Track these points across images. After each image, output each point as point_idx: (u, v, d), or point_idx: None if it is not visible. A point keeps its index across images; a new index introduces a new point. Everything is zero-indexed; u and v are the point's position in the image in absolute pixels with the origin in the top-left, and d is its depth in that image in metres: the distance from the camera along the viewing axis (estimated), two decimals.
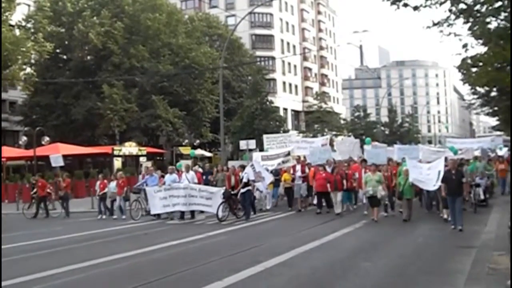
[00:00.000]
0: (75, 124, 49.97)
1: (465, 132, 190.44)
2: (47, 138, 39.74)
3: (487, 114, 65.42)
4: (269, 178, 22.93)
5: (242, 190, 21.06)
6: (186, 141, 55.79)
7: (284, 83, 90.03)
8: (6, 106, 55.34)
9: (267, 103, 59.87)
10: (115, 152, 43.73)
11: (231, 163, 30.84)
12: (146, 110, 50.01)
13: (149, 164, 34.92)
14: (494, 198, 24.19)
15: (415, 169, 18.56)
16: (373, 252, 13.23)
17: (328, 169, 22.14)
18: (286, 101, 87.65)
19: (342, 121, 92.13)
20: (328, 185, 21.18)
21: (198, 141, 58.74)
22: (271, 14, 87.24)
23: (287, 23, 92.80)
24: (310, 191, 23.46)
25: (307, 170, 23.79)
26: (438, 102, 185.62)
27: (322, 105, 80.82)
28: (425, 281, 10.01)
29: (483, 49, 23.46)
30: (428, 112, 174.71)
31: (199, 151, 57.66)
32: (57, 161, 28.96)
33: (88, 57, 52.53)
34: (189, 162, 36.05)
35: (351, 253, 13.16)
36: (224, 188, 21.60)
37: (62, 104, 49.52)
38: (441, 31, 18.58)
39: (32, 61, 47.62)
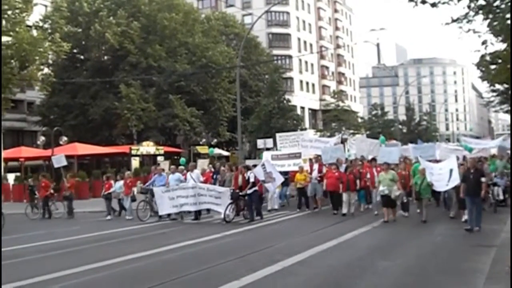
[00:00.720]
0: (93, 124, 50.18)
1: (484, 130, 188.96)
2: (65, 138, 39.93)
3: (506, 111, 64.77)
4: (280, 179, 22.39)
5: (249, 191, 20.60)
6: (204, 140, 55.85)
7: (301, 81, 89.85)
8: (24, 107, 55.74)
9: (284, 101, 59.70)
10: (133, 152, 43.84)
11: (248, 162, 30.47)
12: (164, 110, 50.08)
13: (167, 163, 34.80)
14: None
15: (428, 169, 18.20)
16: (390, 251, 13.14)
17: (341, 168, 21.89)
18: (303, 99, 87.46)
19: (359, 120, 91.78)
20: (341, 185, 20.82)
21: (215, 140, 58.73)
22: (287, 13, 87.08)
23: (303, 21, 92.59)
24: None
25: (324, 170, 23.11)
26: (456, 100, 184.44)
27: (339, 104, 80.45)
28: (443, 281, 9.88)
29: (502, 46, 23.20)
30: (446, 110, 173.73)
31: (217, 150, 57.73)
32: (59, 161, 28.57)
33: (105, 57, 52.73)
34: (206, 161, 36.12)
35: (368, 252, 13.05)
36: (231, 188, 21.16)
37: (80, 104, 49.75)
38: (460, 28, 18.37)
39: (50, 61, 47.84)
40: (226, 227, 18.69)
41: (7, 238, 17.28)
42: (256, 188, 20.79)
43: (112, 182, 24.96)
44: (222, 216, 20.09)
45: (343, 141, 31.66)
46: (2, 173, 38.76)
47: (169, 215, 21.87)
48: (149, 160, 46.67)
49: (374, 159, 21.78)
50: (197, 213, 21.70)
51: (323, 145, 27.48)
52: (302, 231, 17.32)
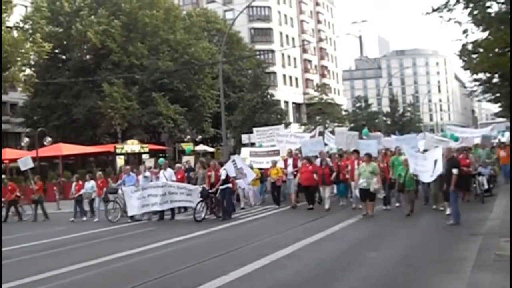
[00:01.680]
0: (77, 123, 49.94)
1: (467, 119, 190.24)
2: (49, 139, 39.81)
3: (489, 100, 65.01)
4: (251, 174, 22.02)
5: (221, 187, 19.77)
6: (188, 137, 55.74)
7: (284, 76, 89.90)
8: (7, 108, 55.33)
9: (268, 96, 59.78)
10: (118, 151, 43.69)
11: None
12: (147, 108, 49.94)
13: (152, 161, 34.63)
14: (498, 187, 23.38)
15: (412, 159, 17.49)
16: (378, 242, 13.18)
17: (316, 162, 21.26)
18: (286, 94, 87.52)
19: (343, 112, 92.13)
20: (315, 176, 20.29)
21: (200, 136, 58.69)
22: (269, 7, 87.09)
23: (285, 15, 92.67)
24: (300, 186, 21.92)
25: (299, 165, 22.30)
26: (439, 91, 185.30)
27: (323, 97, 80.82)
28: (431, 269, 9.94)
29: (483, 35, 23.32)
30: (430, 101, 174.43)
31: (202, 147, 57.62)
32: (26, 163, 28.10)
33: (87, 56, 52.41)
34: (191, 158, 35.97)
35: (356, 244, 13.10)
36: (201, 186, 20.55)
37: (63, 104, 49.47)
38: (441, 17, 18.49)
39: (31, 62, 47.54)
40: (210, 224, 18.42)
41: None
42: (229, 185, 20.16)
43: (81, 183, 24.31)
44: (193, 216, 19.62)
45: (321, 135, 31.20)
46: None
47: (131, 216, 21.08)
48: (134, 159, 46.52)
49: (356, 151, 20.76)
50: (163, 213, 21.13)
51: (298, 140, 27.03)
52: (278, 228, 16.53)
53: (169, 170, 22.35)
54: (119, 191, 21.94)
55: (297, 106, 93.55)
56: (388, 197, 19.17)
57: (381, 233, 14.73)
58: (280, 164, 23.47)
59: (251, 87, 59.41)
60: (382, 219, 17.40)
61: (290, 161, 23.14)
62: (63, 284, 10.59)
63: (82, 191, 23.76)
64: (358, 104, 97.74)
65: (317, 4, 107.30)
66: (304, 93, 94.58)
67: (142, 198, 20.57)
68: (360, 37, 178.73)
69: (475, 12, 18.57)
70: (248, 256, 11.92)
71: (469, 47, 26.46)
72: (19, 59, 37.90)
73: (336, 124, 76.60)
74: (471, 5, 18.20)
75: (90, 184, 23.49)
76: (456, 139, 26.15)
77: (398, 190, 18.26)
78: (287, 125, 63.56)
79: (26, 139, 44.32)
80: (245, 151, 27.01)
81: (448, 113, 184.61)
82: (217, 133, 57.76)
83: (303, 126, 73.05)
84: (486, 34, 22.58)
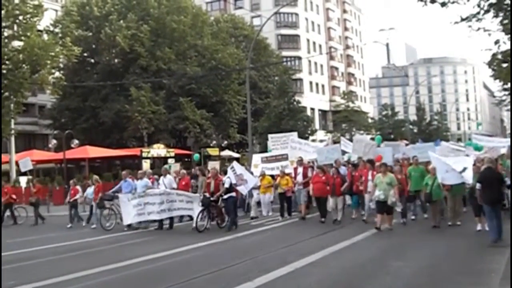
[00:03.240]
0: (104, 126, 50.43)
1: (496, 129, 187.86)
2: (76, 141, 40.22)
3: None
4: (253, 180, 20.89)
5: (225, 197, 18.56)
6: (214, 142, 55.90)
7: (310, 82, 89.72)
8: (36, 110, 56.10)
9: (294, 103, 59.69)
10: (144, 154, 43.99)
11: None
12: (174, 112, 50.26)
13: (178, 166, 34.61)
14: None
15: (440, 164, 16.50)
16: (404, 252, 13.06)
17: (340, 171, 20.07)
18: (313, 100, 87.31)
19: (370, 120, 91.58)
20: (328, 188, 18.88)
21: (225, 142, 58.80)
22: (296, 14, 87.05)
23: (312, 22, 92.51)
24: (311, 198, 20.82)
25: (309, 174, 21.07)
26: (467, 99, 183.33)
27: (350, 104, 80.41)
28: (458, 281, 9.80)
29: None
30: (457, 109, 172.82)
31: (227, 152, 57.69)
32: (25, 165, 27.99)
33: (116, 60, 52.96)
34: (217, 163, 35.87)
35: (381, 253, 13.00)
36: (202, 194, 19.22)
37: (91, 107, 50.01)
38: (470, 26, 18.33)
39: (61, 65, 48.06)
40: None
41: None
42: (233, 194, 18.93)
43: (78, 188, 23.30)
44: (194, 225, 18.43)
45: (335, 143, 30.29)
46: (14, 176, 38.98)
47: (129, 225, 19.92)
48: (159, 163, 46.75)
49: (370, 161, 19.62)
50: (161, 223, 19.84)
51: (312, 149, 26.08)
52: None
53: (168, 177, 21.30)
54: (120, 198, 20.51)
55: (323, 113, 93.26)
56: (405, 210, 18.02)
57: (407, 242, 14.56)
58: (289, 171, 22.29)
59: (278, 94, 59.40)
60: (401, 232, 16.58)
61: (300, 169, 21.67)
62: None
63: (77, 196, 22.86)
64: (384, 112, 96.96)
65: (344, 11, 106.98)
66: (331, 100, 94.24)
67: (138, 206, 19.48)
68: (387, 45, 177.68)
69: (506, 21, 18.37)
70: (272, 263, 11.87)
71: (499, 56, 26.17)
72: (48, 62, 38.23)
73: (362, 132, 76.19)
74: (501, 14, 18.01)
75: (91, 190, 22.33)
76: (479, 149, 24.99)
77: (425, 200, 17.49)
78: (313, 132, 63.49)
79: (54, 141, 44.81)
80: (256, 157, 25.83)
81: (476, 122, 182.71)
82: (242, 139, 57.81)
83: (329, 133, 72.73)
84: None
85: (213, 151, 52.87)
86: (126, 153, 45.63)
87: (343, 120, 79.77)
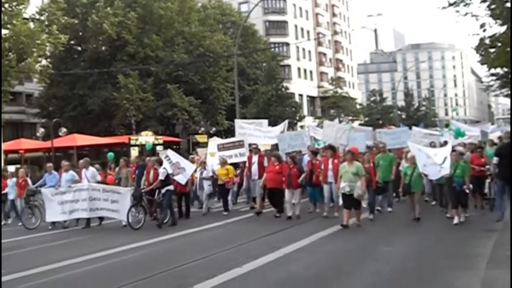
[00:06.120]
0: (92, 114, 50.21)
1: (483, 114, 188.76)
2: (64, 130, 40.07)
3: (506, 95, 64.56)
4: (191, 168, 18.78)
5: (162, 191, 16.68)
6: (202, 129, 55.81)
7: (299, 69, 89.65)
8: (23, 99, 55.66)
9: (282, 89, 59.76)
10: (132, 142, 43.83)
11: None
12: (162, 99, 50.12)
13: (165, 152, 34.13)
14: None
15: (420, 154, 15.13)
16: (392, 237, 13.12)
17: (289, 160, 17.36)
18: (301, 87, 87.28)
19: (358, 106, 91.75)
20: (284, 178, 16.84)
21: (214, 129, 58.72)
22: (284, 0, 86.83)
23: (300, 8, 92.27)
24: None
25: (266, 163, 18.68)
26: (455, 85, 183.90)
27: (338, 90, 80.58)
28: (445, 265, 9.89)
29: (501, 29, 23.09)
30: (445, 95, 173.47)
31: (216, 139, 57.53)
32: None
33: (103, 48, 52.58)
34: (205, 150, 35.41)
35: (371, 239, 13.06)
36: (132, 187, 17.36)
37: (78, 95, 49.74)
38: (457, 11, 18.37)
39: (47, 53, 47.68)
40: (216, 218, 16.98)
41: None
42: (170, 187, 16.92)
43: (8, 181, 20.28)
44: (127, 223, 16.26)
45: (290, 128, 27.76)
46: (2, 165, 38.77)
47: (53, 223, 17.77)
48: (148, 150, 46.68)
49: (331, 147, 17.45)
50: (89, 221, 17.65)
51: (263, 134, 24.00)
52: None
53: (91, 169, 18.34)
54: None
55: (312, 99, 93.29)
56: (373, 204, 16.07)
57: (395, 228, 14.62)
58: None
59: (266, 80, 59.41)
60: (394, 217, 16.35)
61: (255, 158, 19.55)
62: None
63: (5, 190, 20.02)
64: (372, 98, 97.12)
65: None
66: (319, 87, 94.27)
67: (65, 203, 17.28)
68: (375, 31, 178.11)
69: (493, 6, 18.42)
70: (261, 249, 11.88)
71: (487, 41, 26.20)
72: (35, 50, 37.95)
73: (350, 117, 76.38)
74: None
75: (11, 182, 19.87)
76: (461, 134, 23.76)
77: (403, 192, 16.48)
78: (301, 118, 63.59)
79: (41, 130, 44.58)
80: (212, 144, 22.64)
81: (464, 108, 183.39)
82: (231, 126, 57.72)
83: (317, 119, 72.74)
84: (504, 28, 22.38)
85: (202, 138, 52.77)
86: (114, 140, 45.43)
87: (331, 106, 79.93)
